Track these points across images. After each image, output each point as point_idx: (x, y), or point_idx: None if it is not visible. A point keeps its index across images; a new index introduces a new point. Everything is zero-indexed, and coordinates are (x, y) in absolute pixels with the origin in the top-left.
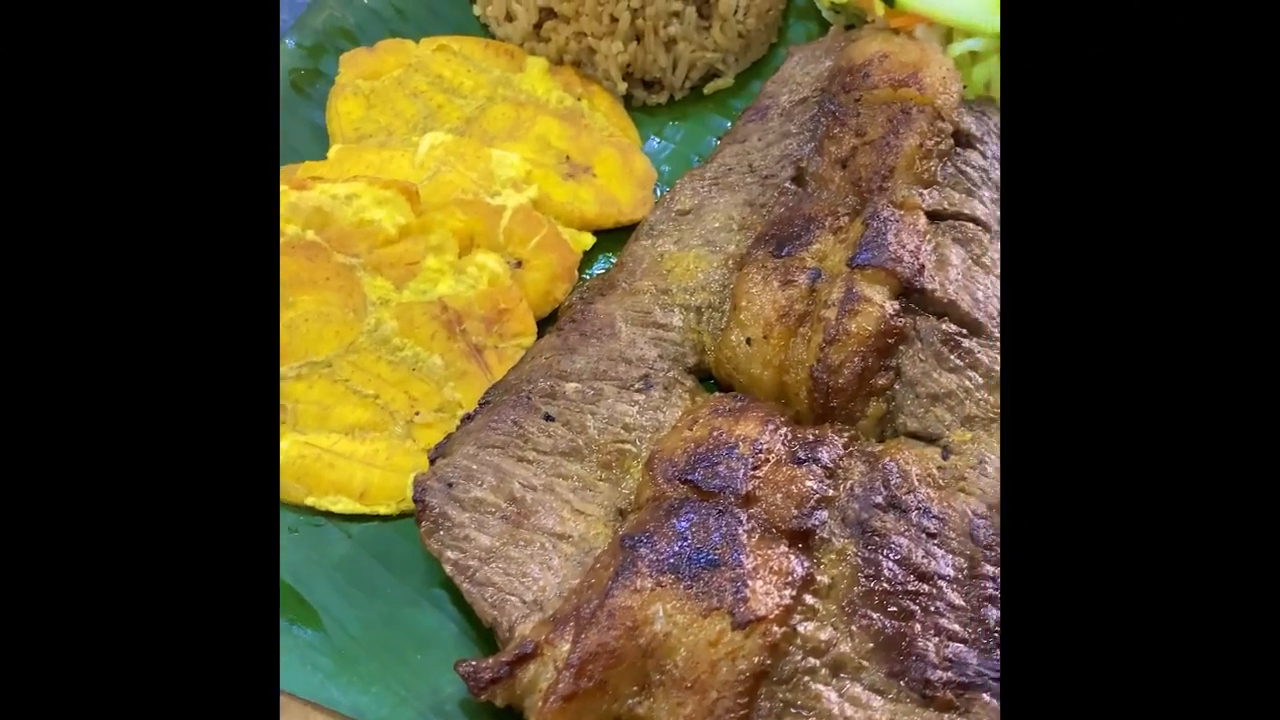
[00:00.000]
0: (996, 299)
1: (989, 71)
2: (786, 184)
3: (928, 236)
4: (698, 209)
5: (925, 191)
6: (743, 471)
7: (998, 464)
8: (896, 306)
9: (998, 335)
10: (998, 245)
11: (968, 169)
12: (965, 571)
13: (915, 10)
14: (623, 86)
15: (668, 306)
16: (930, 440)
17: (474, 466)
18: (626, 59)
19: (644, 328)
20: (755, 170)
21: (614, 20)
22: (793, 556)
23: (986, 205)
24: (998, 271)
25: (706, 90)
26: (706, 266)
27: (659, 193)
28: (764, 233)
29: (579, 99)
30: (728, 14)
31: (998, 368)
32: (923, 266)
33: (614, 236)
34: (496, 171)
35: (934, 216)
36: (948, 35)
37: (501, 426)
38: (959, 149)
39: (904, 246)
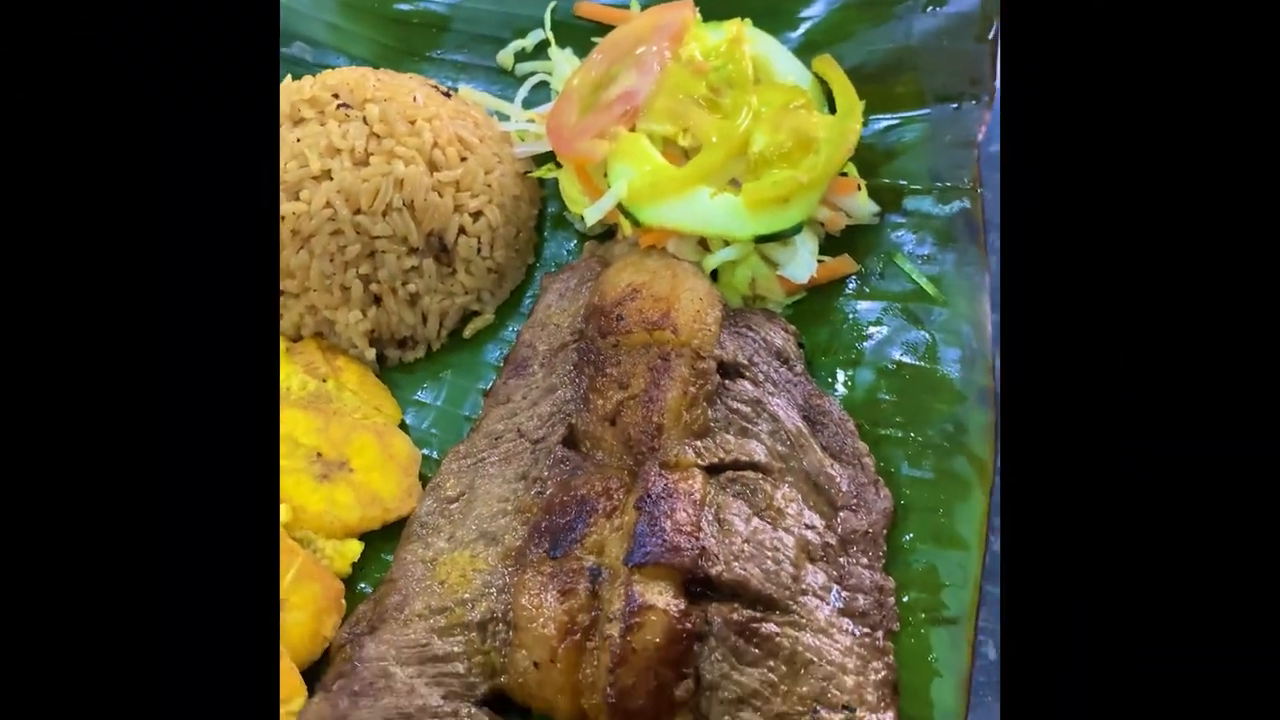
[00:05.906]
0: (790, 554)
1: (750, 269)
2: (558, 448)
3: (707, 501)
4: (468, 493)
5: (700, 444)
6: None
7: None
8: (682, 605)
9: (796, 606)
10: (783, 486)
11: (739, 404)
12: None
13: (661, 226)
14: (371, 353)
15: (446, 632)
16: None
17: None
18: (369, 325)
19: (422, 665)
20: (525, 434)
21: (346, 289)
22: None
23: (765, 441)
24: (790, 513)
25: (467, 333)
26: (483, 566)
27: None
28: (537, 523)
29: (324, 380)
30: (470, 255)
31: (800, 648)
32: (704, 549)
33: (386, 533)
34: None
35: (713, 470)
36: (702, 241)
37: None
38: (726, 382)
39: (680, 530)
